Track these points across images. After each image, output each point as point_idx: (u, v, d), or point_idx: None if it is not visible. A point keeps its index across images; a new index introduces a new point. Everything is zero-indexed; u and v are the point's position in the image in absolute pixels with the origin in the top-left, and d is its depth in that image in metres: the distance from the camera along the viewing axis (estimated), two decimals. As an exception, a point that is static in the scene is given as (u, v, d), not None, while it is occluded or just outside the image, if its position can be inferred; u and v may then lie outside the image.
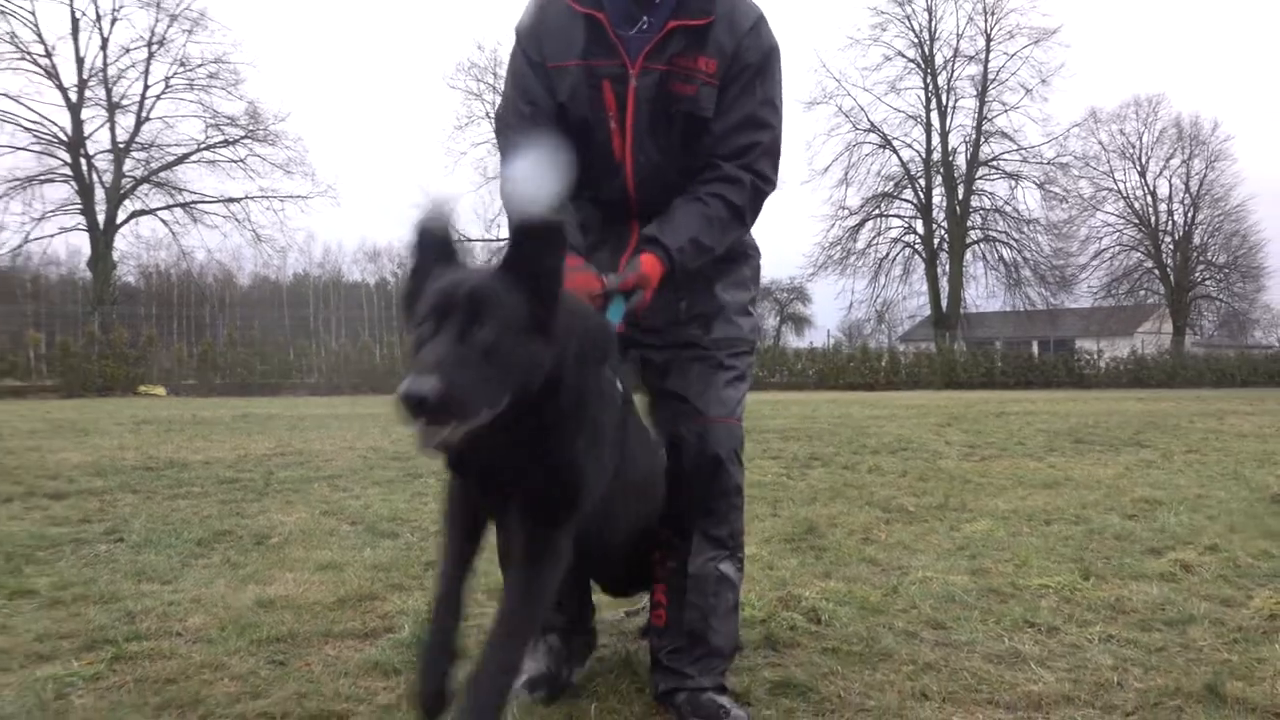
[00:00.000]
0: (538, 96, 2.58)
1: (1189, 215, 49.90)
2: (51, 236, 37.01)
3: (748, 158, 2.55)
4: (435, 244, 1.95)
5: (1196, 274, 50.37)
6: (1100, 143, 49.37)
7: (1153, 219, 49.95)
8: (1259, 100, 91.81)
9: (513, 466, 2.04)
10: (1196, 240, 50.13)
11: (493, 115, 3.07)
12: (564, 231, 1.94)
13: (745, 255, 2.80)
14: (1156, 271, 50.28)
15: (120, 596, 3.82)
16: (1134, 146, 49.78)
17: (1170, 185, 49.89)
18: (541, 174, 2.32)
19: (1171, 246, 49.90)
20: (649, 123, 2.53)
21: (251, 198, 37.74)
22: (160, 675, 2.92)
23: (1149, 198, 49.88)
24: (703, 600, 2.64)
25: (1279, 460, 8.75)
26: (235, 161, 37.77)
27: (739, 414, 2.72)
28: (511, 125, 2.62)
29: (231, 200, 37.79)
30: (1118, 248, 50.40)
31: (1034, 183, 45.61)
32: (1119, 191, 49.93)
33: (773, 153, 2.60)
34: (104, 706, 2.67)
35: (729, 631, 2.69)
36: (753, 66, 2.53)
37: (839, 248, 45.41)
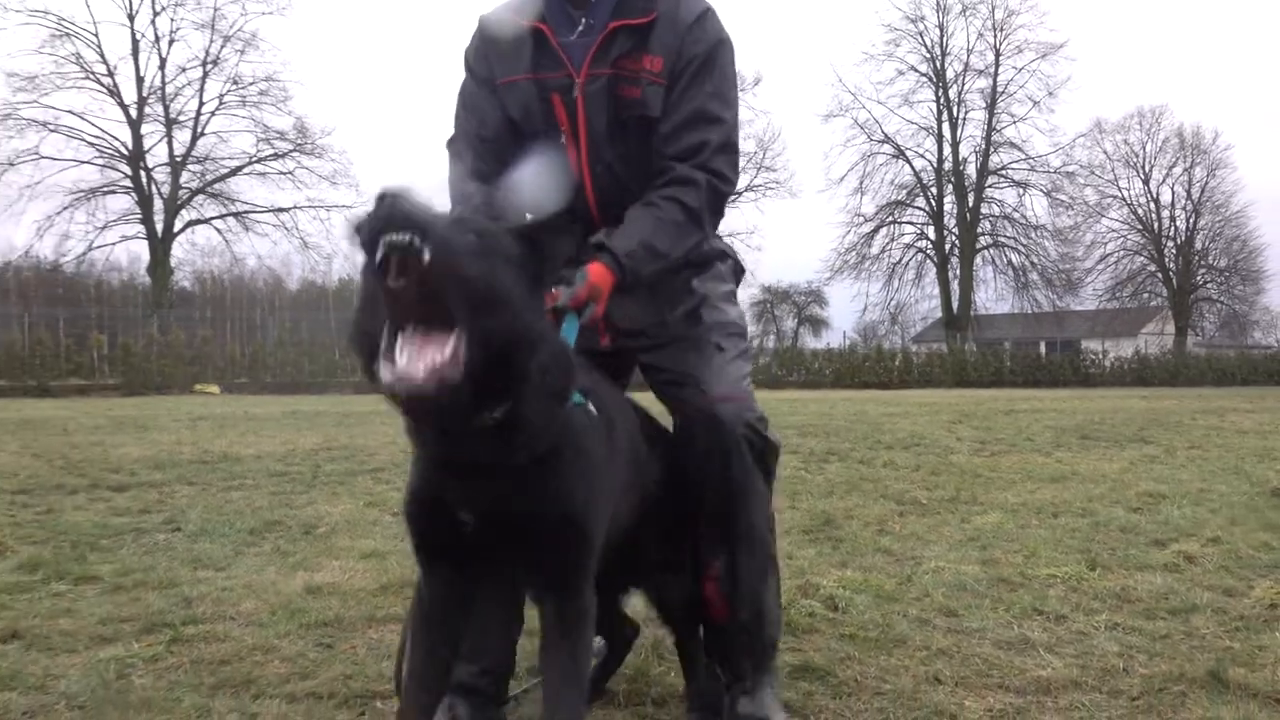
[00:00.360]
0: (485, 113, 2.40)
1: (1191, 221, 49.39)
2: (113, 244, 37.37)
3: (701, 156, 2.29)
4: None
5: (1198, 277, 49.83)
6: (1105, 152, 48.95)
7: (1156, 225, 49.44)
8: (1259, 111, 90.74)
9: (503, 535, 1.79)
10: (1198, 245, 49.61)
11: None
12: (575, 232, 1.81)
13: (720, 254, 2.57)
14: (1159, 275, 49.78)
15: (177, 582, 3.86)
16: (1138, 155, 49.30)
17: (1173, 192, 49.42)
18: (542, 184, 2.16)
19: (1174, 251, 49.37)
20: (604, 132, 2.32)
21: (299, 207, 37.94)
22: (215, 657, 2.95)
23: (1152, 204, 49.40)
24: (754, 593, 2.42)
25: (1278, 456, 8.64)
26: (284, 173, 37.97)
27: (746, 389, 2.48)
28: (457, 139, 2.45)
29: (281, 210, 38.00)
30: (1122, 252, 49.95)
31: (1041, 191, 45.26)
32: (1123, 199, 49.49)
33: (727, 149, 2.34)
34: (162, 686, 2.69)
35: (776, 618, 2.56)
36: (698, 59, 2.30)
37: (854, 253, 45.17)
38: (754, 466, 2.41)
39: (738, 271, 2.65)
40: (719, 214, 2.40)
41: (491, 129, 2.39)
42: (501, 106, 2.38)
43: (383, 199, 1.44)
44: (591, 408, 1.93)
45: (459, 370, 1.47)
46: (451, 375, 1.46)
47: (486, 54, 2.40)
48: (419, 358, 1.45)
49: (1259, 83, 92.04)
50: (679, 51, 2.28)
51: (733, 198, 2.51)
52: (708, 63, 2.31)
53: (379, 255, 1.39)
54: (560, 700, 1.82)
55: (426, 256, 1.38)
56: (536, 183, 2.23)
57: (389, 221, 1.39)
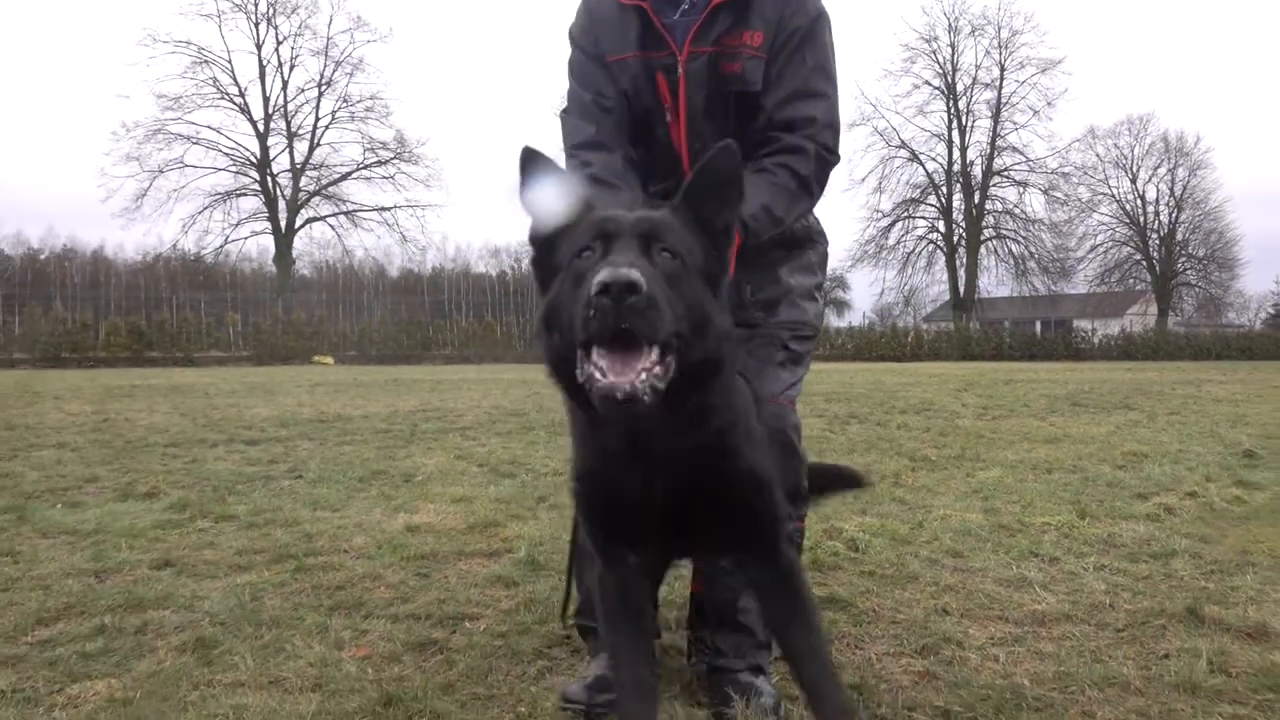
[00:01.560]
0: (601, 85, 2.12)
1: (1173, 215, 47.93)
2: (245, 239, 38.20)
3: (809, 129, 2.05)
4: (553, 173, 1.49)
5: (1179, 265, 48.41)
6: (1097, 155, 47.63)
7: (1142, 219, 48.06)
8: (1238, 116, 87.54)
9: (694, 508, 1.57)
10: (1179, 236, 48.15)
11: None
12: (741, 187, 1.58)
13: (811, 240, 2.29)
14: (1144, 263, 48.46)
15: (300, 521, 3.93)
16: (1126, 158, 47.90)
17: (1158, 190, 47.96)
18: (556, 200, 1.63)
19: (1157, 242, 47.97)
20: (703, 109, 2.07)
21: (399, 207, 38.34)
22: (331, 583, 3.00)
23: (1139, 201, 47.99)
24: (733, 582, 2.16)
25: (1249, 421, 8.39)
26: (386, 178, 38.40)
27: (791, 396, 2.19)
28: (572, 111, 2.16)
29: (384, 209, 38.44)
30: (1110, 243, 48.68)
31: (1039, 189, 44.25)
32: (1113, 196, 48.12)
33: (833, 124, 2.10)
34: (288, 607, 2.75)
35: (757, 610, 2.16)
36: (800, 32, 2.04)
37: (873, 244, 44.56)
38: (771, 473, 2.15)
39: (824, 258, 2.36)
40: (824, 185, 2.12)
41: (611, 99, 2.12)
42: (615, 80, 2.12)
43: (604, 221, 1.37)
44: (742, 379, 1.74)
45: (664, 381, 1.32)
46: (657, 385, 1.31)
47: (593, 31, 2.15)
48: (625, 370, 1.28)
49: (1239, 91, 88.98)
50: (779, 24, 2.04)
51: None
52: (809, 36, 2.06)
53: (597, 286, 1.24)
54: (815, 674, 1.63)
55: (644, 291, 1.25)
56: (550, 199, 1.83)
57: (619, 300, 1.24)
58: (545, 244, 1.51)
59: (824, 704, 1.61)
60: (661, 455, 1.51)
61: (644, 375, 1.29)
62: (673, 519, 1.57)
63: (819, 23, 2.09)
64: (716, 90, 2.06)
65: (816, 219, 2.30)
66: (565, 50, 2.21)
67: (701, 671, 2.23)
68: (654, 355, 1.30)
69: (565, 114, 2.17)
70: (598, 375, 1.29)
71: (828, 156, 2.08)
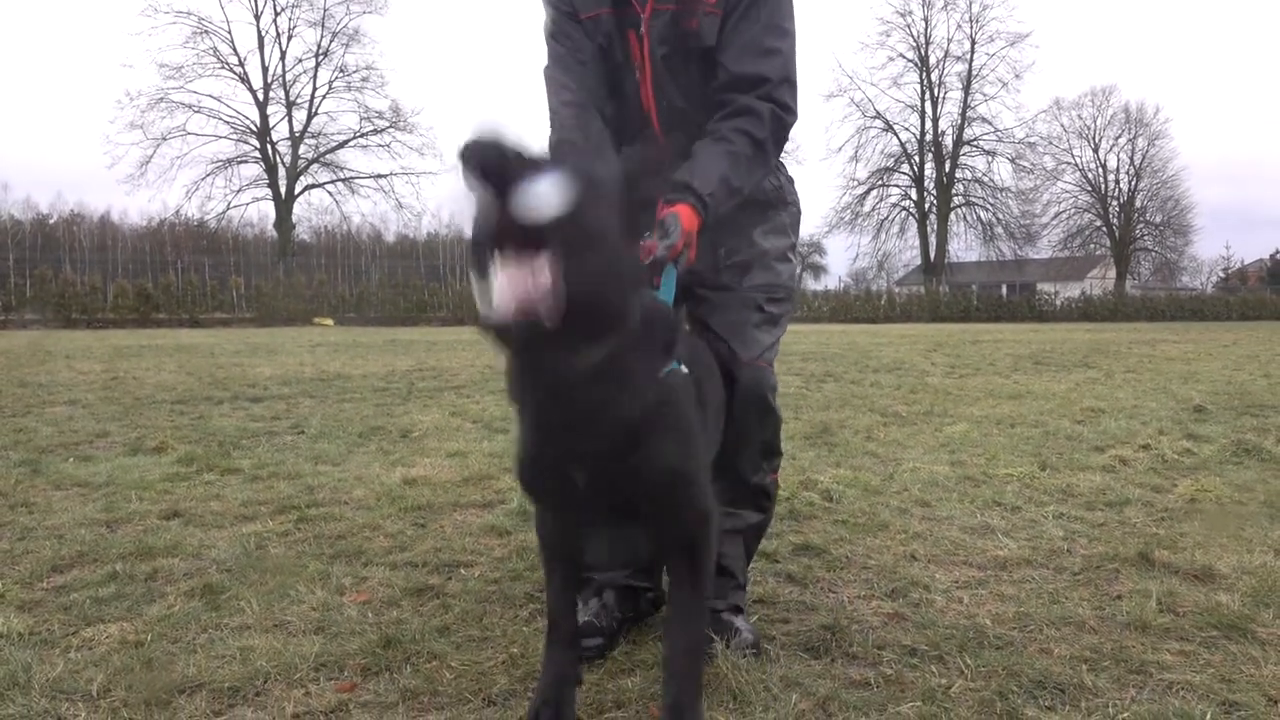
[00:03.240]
0: (576, 39, 2.02)
1: (1133, 184, 47.83)
2: (246, 205, 37.68)
3: (763, 88, 1.93)
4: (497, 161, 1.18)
5: (1137, 231, 48.44)
6: (1062, 125, 47.36)
7: (1103, 187, 47.96)
8: (1195, 89, 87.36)
9: (614, 493, 1.51)
10: (1138, 204, 48.11)
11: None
12: (667, 175, 1.50)
13: (784, 202, 2.16)
14: (1104, 229, 48.44)
15: (302, 475, 3.92)
16: (1089, 128, 47.64)
17: (1118, 159, 47.78)
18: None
19: (1117, 209, 47.92)
20: (666, 67, 1.97)
21: (395, 175, 37.82)
22: (333, 533, 3.00)
23: (1100, 170, 47.84)
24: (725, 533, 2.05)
25: (1200, 378, 8.46)
26: (382, 146, 37.81)
27: (768, 358, 2.08)
28: (553, 67, 2.06)
29: (380, 176, 37.90)
30: (1073, 210, 48.58)
31: (1007, 158, 44.10)
32: (1076, 165, 47.92)
33: (788, 79, 1.96)
34: (292, 555, 2.75)
35: (736, 554, 2.15)
36: None
37: (849, 211, 44.43)
38: (752, 433, 2.06)
39: (797, 219, 2.23)
40: (782, 145, 2.03)
41: (588, 54, 2.02)
42: (590, 35, 2.02)
43: (488, 145, 1.16)
44: (685, 369, 1.61)
45: (552, 303, 1.19)
46: (543, 307, 1.19)
47: None
48: (512, 291, 1.18)
49: (1196, 65, 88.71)
50: None
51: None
52: None
53: (487, 183, 1.15)
54: (683, 620, 1.60)
55: (508, 152, 1.14)
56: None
57: (498, 158, 1.15)
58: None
59: (677, 641, 1.60)
60: (583, 433, 1.43)
61: (530, 292, 1.18)
62: (595, 501, 1.53)
63: None
64: (677, 48, 1.96)
65: (788, 180, 2.20)
66: (542, 14, 2.11)
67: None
68: (539, 262, 1.18)
69: (546, 71, 2.07)
70: (487, 287, 1.21)
71: (784, 116, 1.97)
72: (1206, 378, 8.53)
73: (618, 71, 2.03)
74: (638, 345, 1.40)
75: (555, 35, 2.05)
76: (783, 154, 2.09)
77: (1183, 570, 2.55)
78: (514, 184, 1.16)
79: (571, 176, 1.22)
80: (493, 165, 1.17)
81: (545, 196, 1.18)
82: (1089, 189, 48.14)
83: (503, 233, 1.19)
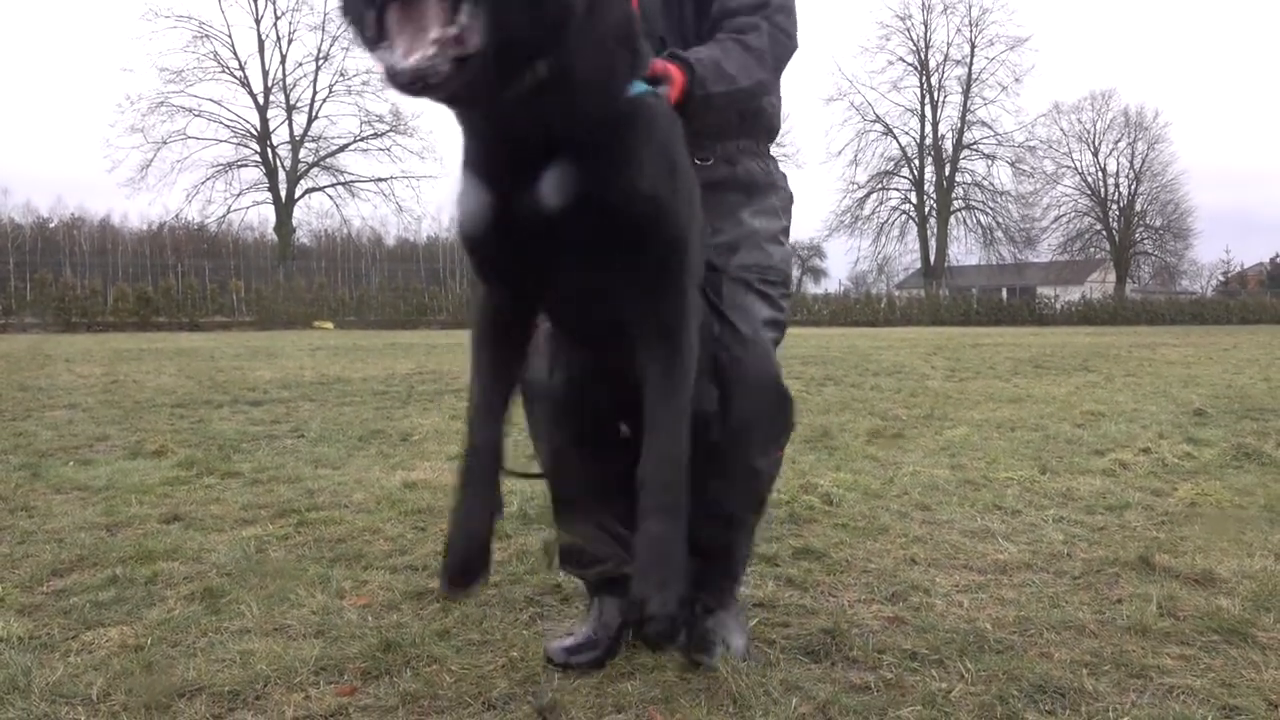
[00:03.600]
0: None
1: (1132, 188, 47.84)
2: (247, 208, 37.55)
3: (764, 10, 1.82)
4: None
5: (1136, 235, 48.46)
6: (1061, 129, 47.39)
7: (1102, 191, 47.99)
8: (1194, 94, 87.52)
9: (579, 236, 1.23)
10: (1138, 208, 48.12)
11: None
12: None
13: (773, 185, 2.02)
14: (1104, 233, 48.45)
15: (302, 478, 3.92)
16: (1089, 132, 47.65)
17: (1118, 163, 47.79)
18: None
19: (1117, 213, 47.94)
20: (662, 3, 1.84)
21: (395, 178, 37.80)
22: (333, 536, 3.00)
23: (1100, 174, 47.85)
24: (728, 527, 1.97)
25: (1200, 382, 8.47)
26: (383, 150, 37.78)
27: (771, 336, 1.92)
28: None
29: (380, 180, 37.87)
30: (1073, 214, 48.59)
31: (1006, 162, 44.22)
32: (1075, 169, 47.94)
33: (786, 8, 1.86)
34: (292, 558, 2.75)
35: (744, 556, 2.05)
36: None
37: (849, 214, 44.49)
38: (761, 413, 1.88)
39: (788, 203, 2.08)
40: (781, 66, 1.87)
41: None
42: None
43: None
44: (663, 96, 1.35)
45: (465, 49, 0.96)
46: (458, 55, 0.95)
47: None
48: (413, 40, 0.95)
49: (1195, 69, 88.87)
50: None
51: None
52: None
53: None
54: (664, 421, 1.35)
55: None
56: None
57: None
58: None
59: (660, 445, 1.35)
60: (538, 156, 1.19)
61: (434, 48, 0.95)
62: (555, 249, 1.26)
63: None
64: None
65: (776, 165, 2.07)
66: None
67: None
68: (452, 13, 0.96)
69: None
70: (384, 54, 0.97)
71: (783, 38, 1.84)
72: (1206, 381, 8.53)
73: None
74: (587, 38, 1.13)
75: None
76: (781, 155, 2.02)
77: (1183, 574, 2.55)
78: None
79: None
80: None
81: None
82: (1089, 193, 48.18)
83: None
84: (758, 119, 1.98)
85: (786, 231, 2.05)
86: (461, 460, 1.44)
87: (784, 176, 2.10)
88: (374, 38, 0.98)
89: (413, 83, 0.94)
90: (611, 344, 1.50)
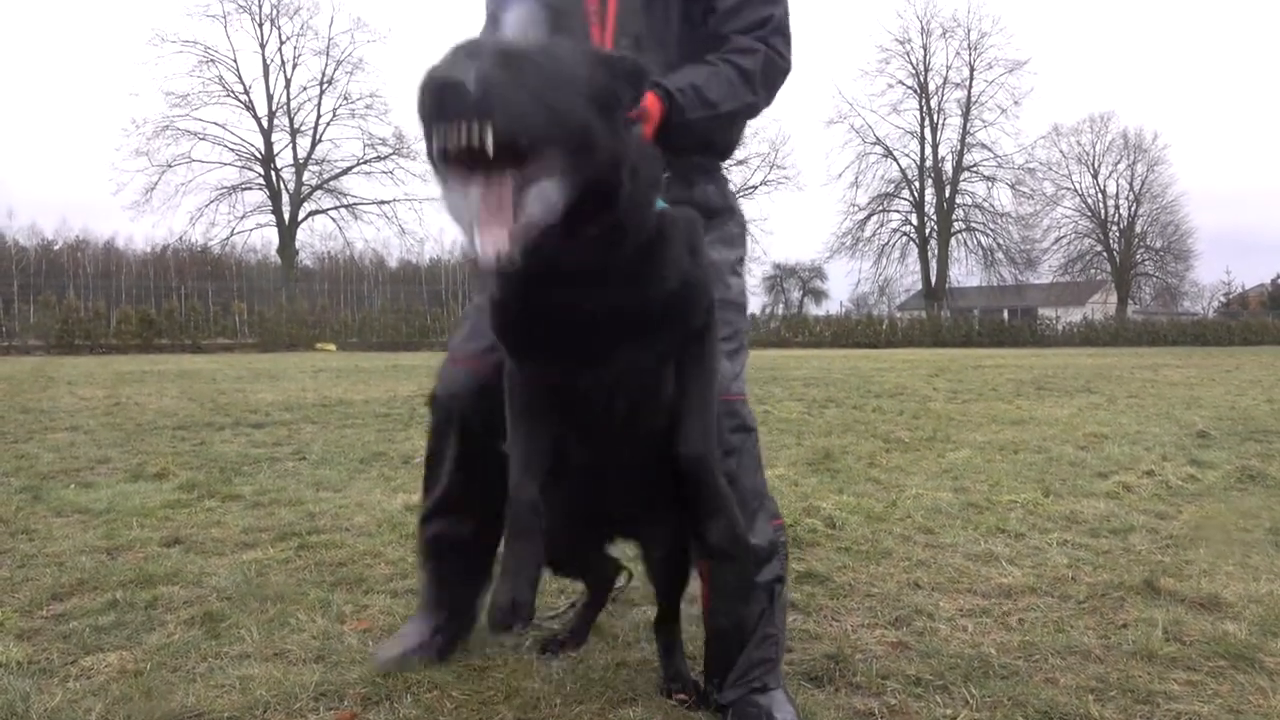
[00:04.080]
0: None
1: (1132, 209, 48.13)
2: (250, 231, 37.89)
3: (761, 31, 1.83)
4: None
5: (1137, 256, 48.66)
6: (1061, 151, 47.78)
7: (1103, 212, 48.26)
8: (1193, 115, 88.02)
9: (622, 323, 1.40)
10: (1138, 229, 48.37)
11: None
12: (646, 81, 1.40)
13: (730, 209, 1.99)
14: (1105, 254, 48.68)
15: (303, 501, 3.91)
16: (1089, 154, 48.03)
17: (1118, 185, 48.12)
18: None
19: (1117, 234, 48.17)
20: (643, 9, 1.80)
21: (398, 201, 38.16)
22: (334, 560, 2.98)
23: (1100, 195, 48.17)
24: (728, 606, 1.86)
25: (1203, 403, 8.45)
26: (386, 173, 38.02)
27: (738, 389, 1.88)
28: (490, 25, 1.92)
29: (383, 202, 38.14)
30: (1073, 235, 48.88)
31: (1006, 184, 44.43)
32: (1075, 190, 48.28)
33: (784, 30, 1.87)
34: (292, 582, 2.73)
35: (762, 638, 1.85)
36: None
37: (850, 236, 44.67)
38: (739, 475, 1.81)
39: (744, 229, 2.07)
40: (772, 91, 1.88)
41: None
42: None
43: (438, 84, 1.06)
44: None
45: (541, 224, 1.15)
46: (531, 234, 1.14)
47: None
48: (492, 235, 1.11)
49: (1194, 91, 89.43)
50: None
51: (749, 191, 2.07)
52: None
53: (437, 144, 1.07)
54: (695, 409, 1.53)
55: (490, 138, 1.05)
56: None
57: (442, 109, 1.05)
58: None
59: (691, 431, 1.53)
60: (581, 279, 1.35)
61: (508, 240, 1.12)
62: (589, 330, 1.42)
63: None
64: None
65: (729, 185, 2.04)
66: None
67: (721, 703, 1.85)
68: (533, 190, 1.13)
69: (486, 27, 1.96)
70: (466, 236, 1.14)
71: (778, 60, 1.85)
72: (1209, 403, 8.52)
73: (555, 19, 1.75)
74: (630, 197, 1.33)
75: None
76: (783, 178, 2.04)
77: (1189, 598, 2.53)
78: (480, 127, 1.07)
79: (531, 67, 1.15)
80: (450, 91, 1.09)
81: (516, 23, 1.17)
82: (1089, 214, 48.42)
83: (475, 165, 1.09)
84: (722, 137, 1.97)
85: (743, 260, 2.03)
86: (510, 517, 1.53)
87: (739, 205, 2.06)
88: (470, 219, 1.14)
89: (495, 268, 1.14)
90: (626, 437, 1.62)
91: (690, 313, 1.51)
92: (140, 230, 54.85)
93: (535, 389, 1.56)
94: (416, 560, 2.21)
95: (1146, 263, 49.36)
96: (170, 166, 34.85)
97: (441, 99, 1.05)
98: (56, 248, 37.65)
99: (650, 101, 1.64)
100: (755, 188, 41.55)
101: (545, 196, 1.15)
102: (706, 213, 1.88)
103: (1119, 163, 47.87)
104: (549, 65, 1.18)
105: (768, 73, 1.84)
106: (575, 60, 1.25)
